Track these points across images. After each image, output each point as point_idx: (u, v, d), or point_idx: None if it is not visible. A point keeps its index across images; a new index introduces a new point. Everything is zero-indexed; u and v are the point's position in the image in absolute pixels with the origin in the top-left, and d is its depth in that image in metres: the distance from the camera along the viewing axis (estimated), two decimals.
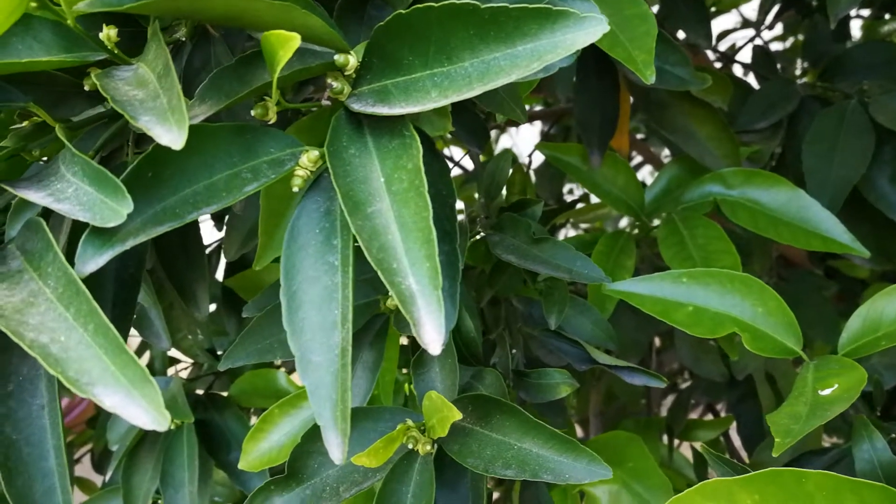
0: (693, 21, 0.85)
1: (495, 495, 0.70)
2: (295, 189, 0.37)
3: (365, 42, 0.37)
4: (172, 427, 0.70)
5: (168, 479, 0.70)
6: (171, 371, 0.96)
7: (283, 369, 0.84)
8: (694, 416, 1.24)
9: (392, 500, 0.44)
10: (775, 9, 1.13)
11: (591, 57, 0.75)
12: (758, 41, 1.14)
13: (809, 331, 0.58)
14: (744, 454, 1.04)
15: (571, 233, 1.36)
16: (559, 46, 0.32)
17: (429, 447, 0.45)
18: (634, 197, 0.78)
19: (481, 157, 1.06)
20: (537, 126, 1.43)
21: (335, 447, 0.32)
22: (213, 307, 0.93)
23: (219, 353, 0.90)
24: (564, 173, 0.90)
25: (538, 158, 1.37)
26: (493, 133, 1.45)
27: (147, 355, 1.01)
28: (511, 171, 0.78)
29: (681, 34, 0.90)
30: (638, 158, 1.56)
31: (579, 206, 1.09)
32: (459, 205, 0.42)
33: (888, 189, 0.74)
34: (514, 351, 0.66)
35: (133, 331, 0.42)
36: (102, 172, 0.31)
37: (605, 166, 0.77)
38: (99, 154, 0.40)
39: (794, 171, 0.80)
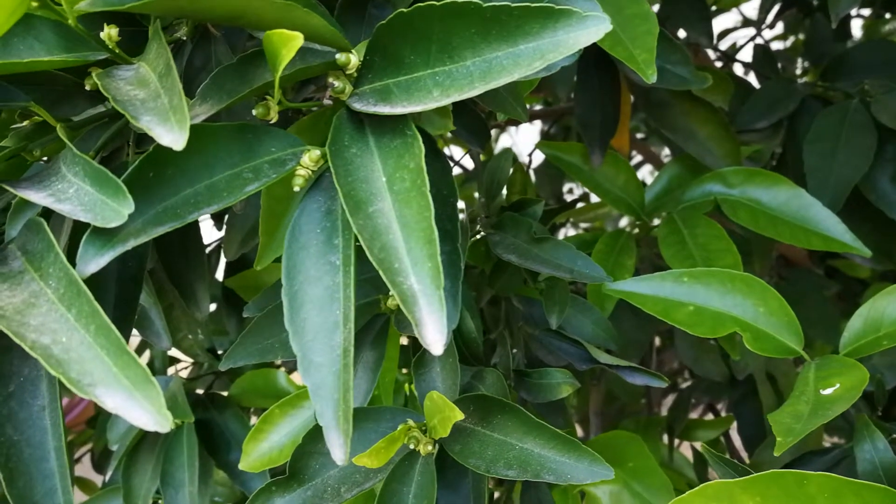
0: (694, 20, 0.85)
1: (496, 495, 0.70)
2: (296, 189, 0.36)
3: (366, 41, 0.36)
4: (173, 427, 0.70)
5: (168, 479, 0.70)
6: (171, 370, 0.96)
7: (283, 369, 0.84)
8: (694, 415, 1.24)
9: (393, 500, 0.44)
10: (776, 8, 1.12)
11: (592, 56, 0.75)
12: (759, 40, 1.14)
13: (810, 330, 0.58)
14: (744, 454, 1.04)
15: (571, 232, 1.36)
16: (561, 45, 0.32)
17: (430, 447, 0.45)
18: (635, 196, 0.78)
19: (482, 157, 1.05)
20: (537, 125, 1.43)
21: (337, 448, 0.32)
22: (213, 307, 0.93)
23: (219, 352, 0.90)
24: (564, 172, 0.90)
25: (538, 158, 1.37)
26: (493, 132, 1.45)
27: (147, 354, 1.01)
28: (511, 170, 0.78)
29: (681, 33, 0.90)
30: (638, 158, 1.56)
31: (579, 205, 1.09)
32: (460, 204, 0.42)
33: (889, 189, 0.74)
34: (514, 351, 0.66)
35: (133, 330, 0.42)
36: (104, 173, 0.31)
37: (605, 165, 0.77)
38: (100, 154, 0.40)
39: (794, 171, 0.80)
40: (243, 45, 0.47)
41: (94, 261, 0.31)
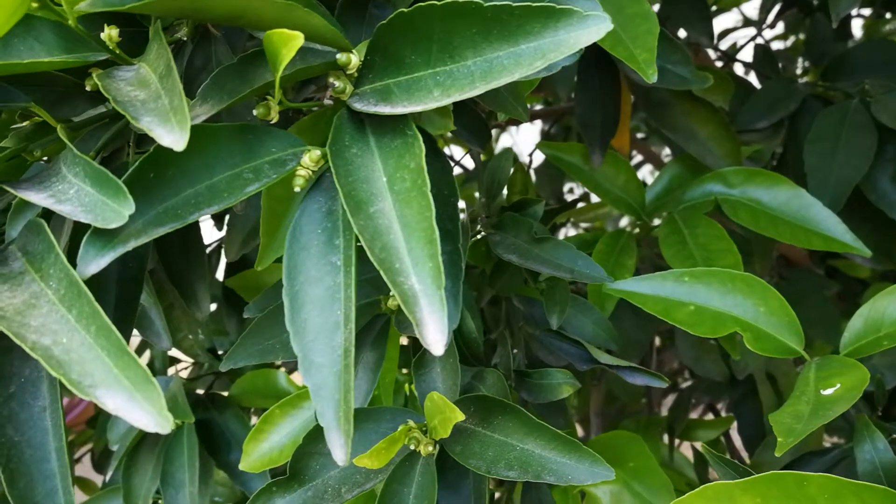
0: (695, 20, 0.85)
1: (496, 495, 0.70)
2: (297, 189, 0.36)
3: (367, 41, 0.36)
4: (173, 428, 0.70)
5: (168, 480, 0.70)
6: (171, 371, 0.96)
7: (283, 369, 0.84)
8: (695, 415, 1.24)
9: (394, 501, 0.44)
10: (777, 7, 1.12)
11: (593, 55, 0.75)
12: (759, 40, 1.14)
13: (810, 330, 0.57)
14: (745, 454, 1.04)
15: (572, 232, 1.36)
16: (562, 45, 0.32)
17: (431, 448, 0.45)
18: (635, 196, 0.78)
19: (482, 156, 1.05)
20: (538, 125, 1.42)
21: (338, 448, 0.32)
22: (213, 307, 0.93)
23: (219, 352, 0.90)
24: (565, 172, 0.90)
25: (538, 157, 1.37)
26: (493, 132, 1.45)
27: (147, 355, 1.01)
28: (512, 170, 0.78)
29: (682, 33, 0.90)
30: (638, 157, 1.56)
31: (580, 205, 1.09)
32: (461, 204, 0.42)
33: (889, 189, 0.74)
34: (515, 351, 0.66)
35: (133, 330, 0.42)
36: (104, 173, 0.31)
37: (605, 165, 0.77)
38: (100, 155, 0.40)
39: (795, 171, 0.80)
40: (244, 45, 0.47)
41: (95, 262, 0.31)
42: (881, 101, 0.76)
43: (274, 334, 0.51)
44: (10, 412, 0.32)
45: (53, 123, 0.38)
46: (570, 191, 1.61)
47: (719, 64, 1.12)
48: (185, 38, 0.44)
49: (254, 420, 0.74)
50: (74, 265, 0.30)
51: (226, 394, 0.83)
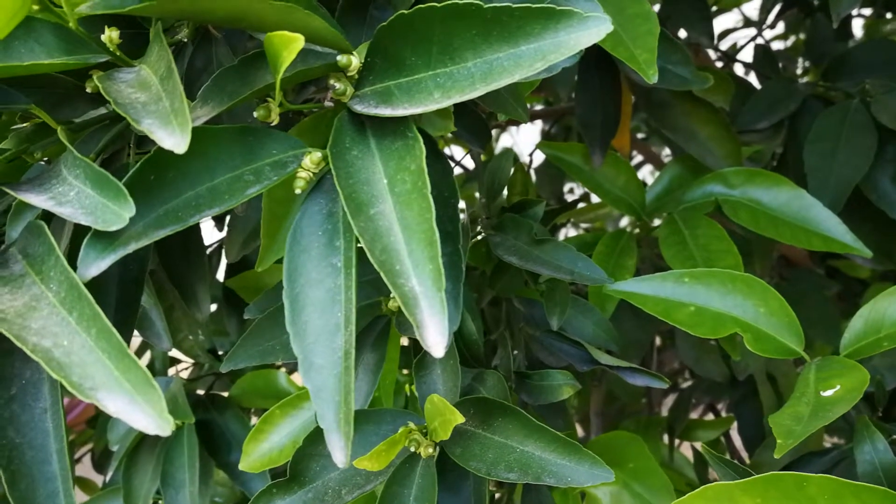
0: (695, 20, 0.85)
1: (496, 496, 0.70)
2: (298, 191, 0.36)
3: (367, 42, 0.36)
4: (174, 430, 0.70)
5: (169, 480, 0.70)
6: (171, 371, 0.96)
7: (283, 369, 0.84)
8: (695, 415, 1.24)
9: (394, 503, 0.44)
10: (777, 8, 1.12)
11: (593, 56, 0.75)
12: (759, 40, 1.14)
13: (810, 331, 0.57)
14: (745, 454, 1.04)
15: (572, 232, 1.36)
16: (563, 46, 0.32)
17: (431, 450, 0.45)
18: (635, 196, 0.78)
19: (482, 157, 1.05)
20: (538, 125, 1.42)
21: (338, 450, 0.32)
22: (213, 307, 0.93)
23: (220, 353, 0.90)
24: (565, 173, 0.90)
25: (538, 158, 1.37)
26: (493, 132, 1.45)
27: (148, 355, 1.01)
28: (512, 170, 0.78)
29: (682, 33, 0.90)
30: (639, 158, 1.56)
31: (580, 205, 1.09)
32: (461, 204, 0.42)
33: (890, 189, 0.74)
34: (515, 352, 0.66)
35: (134, 331, 0.42)
36: (104, 176, 0.31)
37: (606, 166, 0.77)
38: (100, 156, 0.40)
39: (795, 171, 0.80)
40: (244, 46, 0.47)
41: (95, 264, 0.31)
42: (881, 101, 0.76)
43: (274, 335, 0.51)
44: (11, 414, 0.32)
45: (54, 125, 0.38)
46: (571, 191, 1.61)
47: (719, 64, 1.12)
48: (185, 40, 0.44)
49: (254, 420, 0.74)
50: (75, 267, 0.30)
51: (226, 394, 0.83)
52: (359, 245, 0.34)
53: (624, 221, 1.35)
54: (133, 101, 0.32)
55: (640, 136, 1.50)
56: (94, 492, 0.98)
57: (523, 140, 1.82)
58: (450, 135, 0.65)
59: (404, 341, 0.67)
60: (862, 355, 0.53)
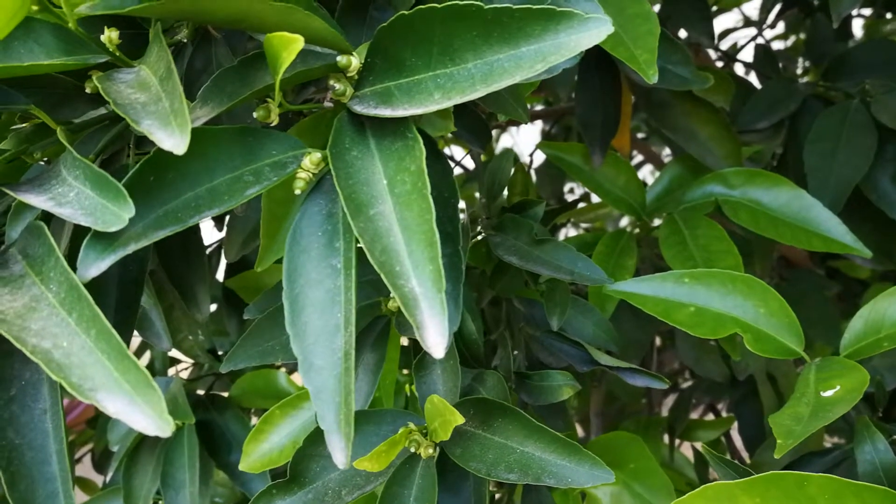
0: (695, 20, 0.85)
1: (497, 496, 0.70)
2: (297, 192, 0.36)
3: (367, 43, 0.36)
4: (174, 431, 0.70)
5: (169, 480, 0.70)
6: (171, 371, 0.96)
7: (283, 370, 0.84)
8: (695, 415, 1.24)
9: (394, 503, 0.44)
10: (777, 7, 1.12)
11: (593, 56, 0.75)
12: (759, 40, 1.14)
13: (810, 331, 0.57)
14: (745, 454, 1.04)
15: (572, 232, 1.36)
16: (563, 47, 0.32)
17: (431, 451, 0.45)
18: (636, 196, 0.78)
19: (483, 157, 1.05)
20: (538, 125, 1.42)
21: (338, 451, 0.32)
22: (213, 307, 0.93)
23: (219, 353, 0.90)
24: (565, 173, 0.90)
25: (539, 158, 1.37)
26: (494, 132, 1.45)
27: (147, 355, 1.01)
28: (512, 170, 0.78)
29: (682, 33, 0.90)
30: (639, 158, 1.56)
31: (580, 205, 1.09)
32: (461, 205, 0.42)
33: (890, 189, 0.74)
34: (515, 352, 0.65)
35: (133, 332, 0.42)
36: (104, 176, 0.31)
37: (606, 166, 0.77)
38: (100, 157, 0.40)
39: (795, 171, 0.80)
40: (244, 46, 0.47)
41: (95, 265, 0.31)
42: (881, 101, 0.76)
43: (274, 336, 0.51)
44: (10, 415, 0.32)
45: (53, 125, 0.38)
46: (571, 191, 1.61)
47: (720, 64, 1.12)
48: (185, 40, 0.44)
49: (254, 421, 0.74)
50: (75, 268, 0.30)
51: (226, 394, 0.83)
52: (358, 246, 0.34)
53: (624, 221, 1.35)
54: (132, 101, 0.32)
55: (640, 136, 1.50)
56: (94, 492, 0.98)
57: (523, 140, 1.82)
58: (450, 135, 0.65)
59: (404, 341, 0.67)
60: (862, 356, 0.53)
